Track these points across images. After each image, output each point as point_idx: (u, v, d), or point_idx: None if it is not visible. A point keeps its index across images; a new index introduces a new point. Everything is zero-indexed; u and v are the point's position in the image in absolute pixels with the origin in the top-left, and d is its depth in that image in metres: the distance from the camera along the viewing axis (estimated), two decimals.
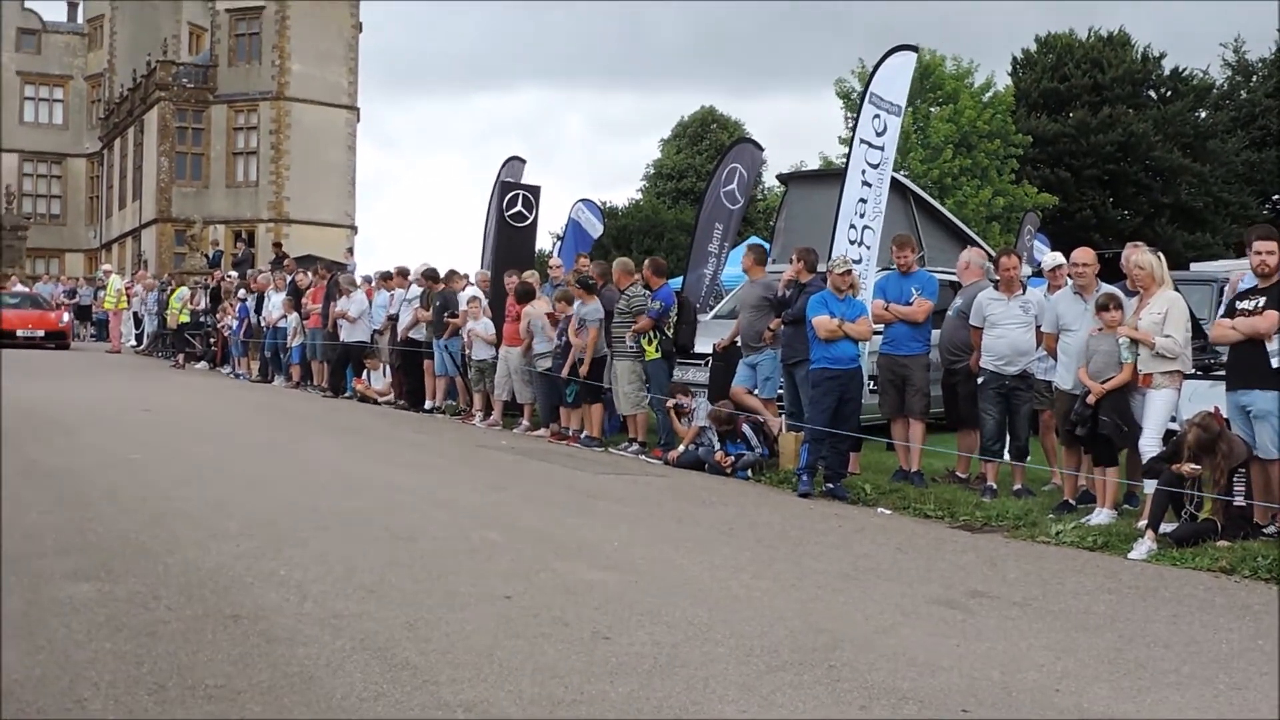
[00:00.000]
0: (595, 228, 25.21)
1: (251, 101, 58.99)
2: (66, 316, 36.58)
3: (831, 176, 17.66)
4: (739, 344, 14.48)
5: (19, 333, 33.75)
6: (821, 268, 13.26)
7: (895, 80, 14.80)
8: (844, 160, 15.83)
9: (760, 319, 14.06)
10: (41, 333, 34.31)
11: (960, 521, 10.82)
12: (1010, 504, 11.24)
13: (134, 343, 37.13)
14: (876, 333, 12.98)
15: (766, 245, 18.06)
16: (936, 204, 20.26)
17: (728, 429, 13.69)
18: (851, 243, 13.97)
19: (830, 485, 12.10)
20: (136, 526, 8.87)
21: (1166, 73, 54.47)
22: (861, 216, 14.19)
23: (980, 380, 12.12)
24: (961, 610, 7.36)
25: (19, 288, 40.57)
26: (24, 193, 70.22)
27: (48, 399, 18.88)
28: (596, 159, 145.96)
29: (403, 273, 21.86)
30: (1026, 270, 15.03)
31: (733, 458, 13.53)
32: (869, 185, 14.30)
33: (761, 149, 19.71)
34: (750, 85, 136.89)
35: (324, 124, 59.44)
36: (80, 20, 75.13)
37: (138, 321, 37.32)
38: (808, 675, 5.86)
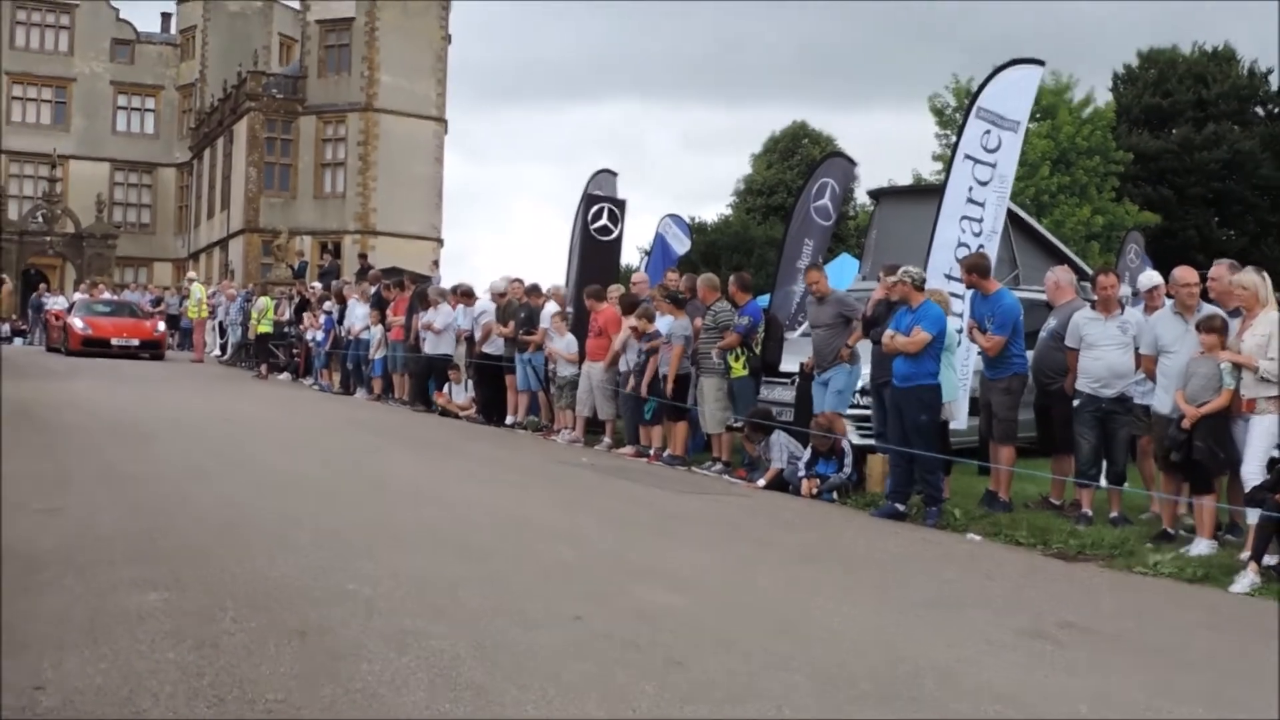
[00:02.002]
0: (683, 243, 25.13)
1: (340, 113, 59.60)
2: (162, 326, 36.64)
3: (925, 193, 17.50)
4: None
5: (114, 341, 33.68)
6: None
7: (1013, 95, 14.43)
8: (939, 177, 15.61)
9: (835, 337, 13.92)
10: (136, 342, 34.15)
11: (1053, 550, 10.59)
12: (1106, 532, 10.98)
13: (218, 352, 37.55)
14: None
15: (854, 260, 17.88)
16: (1033, 222, 19.99)
17: (824, 446, 13.52)
18: (958, 261, 13.73)
19: (931, 510, 11.88)
20: (207, 536, 8.87)
21: (1275, 89, 53.54)
22: (976, 236, 13.93)
23: (1076, 403, 11.87)
24: (1051, 642, 7.16)
25: (107, 295, 41.17)
26: (114, 201, 71.37)
27: (129, 405, 19.08)
28: (686, 173, 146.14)
29: (466, 293, 21.90)
30: (1126, 291, 14.72)
31: (818, 480, 13.37)
32: (978, 204, 14.02)
33: (854, 164, 19.55)
34: (843, 100, 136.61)
35: (412, 136, 59.92)
36: (173, 31, 76.35)
37: (222, 331, 37.73)
38: (889, 707, 5.71)
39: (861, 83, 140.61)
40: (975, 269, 12.73)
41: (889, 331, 12.22)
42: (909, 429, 11.94)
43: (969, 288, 12.92)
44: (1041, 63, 14.89)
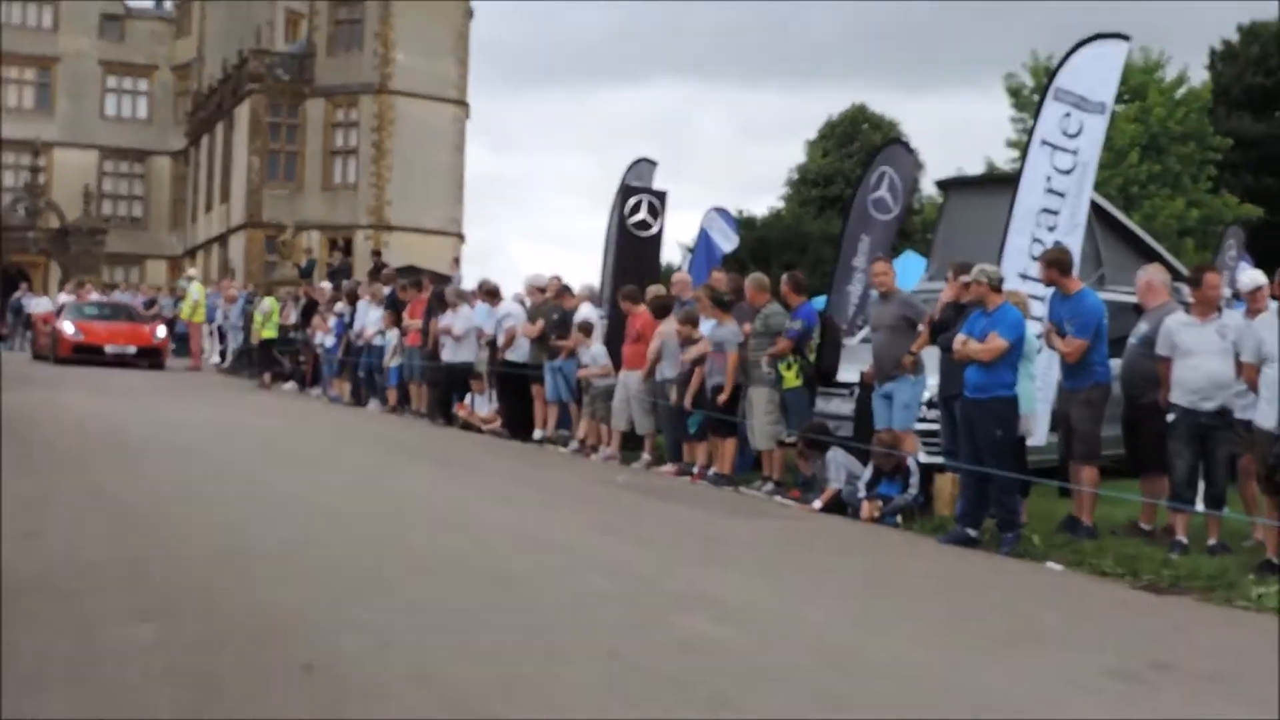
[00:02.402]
0: (729, 240, 25.16)
1: (351, 95, 59.75)
2: (162, 331, 36.43)
3: (998, 183, 17.43)
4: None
5: (107, 348, 33.52)
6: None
7: (1095, 73, 14.31)
8: (1014, 165, 15.57)
9: (897, 342, 13.88)
10: (133, 349, 34.03)
11: (1144, 581, 10.52)
12: (1203, 562, 10.91)
13: (217, 359, 37.75)
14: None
15: (920, 257, 17.84)
16: (1121, 216, 19.88)
17: (888, 465, 13.48)
18: (1035, 259, 13.68)
19: (1007, 536, 11.84)
20: (206, 563, 8.93)
21: None
22: (1053, 230, 13.87)
23: (1170, 418, 11.80)
24: (1142, 684, 7.13)
25: (95, 296, 41.38)
26: (103, 193, 71.71)
27: (117, 418, 19.21)
28: (733, 162, 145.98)
29: (492, 291, 21.92)
30: (1225, 292, 14.62)
31: (880, 502, 13.34)
32: (1058, 194, 13.95)
33: (913, 152, 19.50)
34: (907, 80, 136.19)
35: (431, 121, 60.01)
36: (168, 5, 76.80)
37: (222, 336, 37.89)
38: None
39: (928, 61, 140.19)
40: (1055, 264, 12.63)
41: (961, 337, 12.16)
42: (982, 445, 11.89)
43: (1047, 285, 12.84)
44: (1126, 38, 14.78)
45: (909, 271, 20.75)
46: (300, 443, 18.35)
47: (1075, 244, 13.85)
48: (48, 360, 34.36)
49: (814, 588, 9.52)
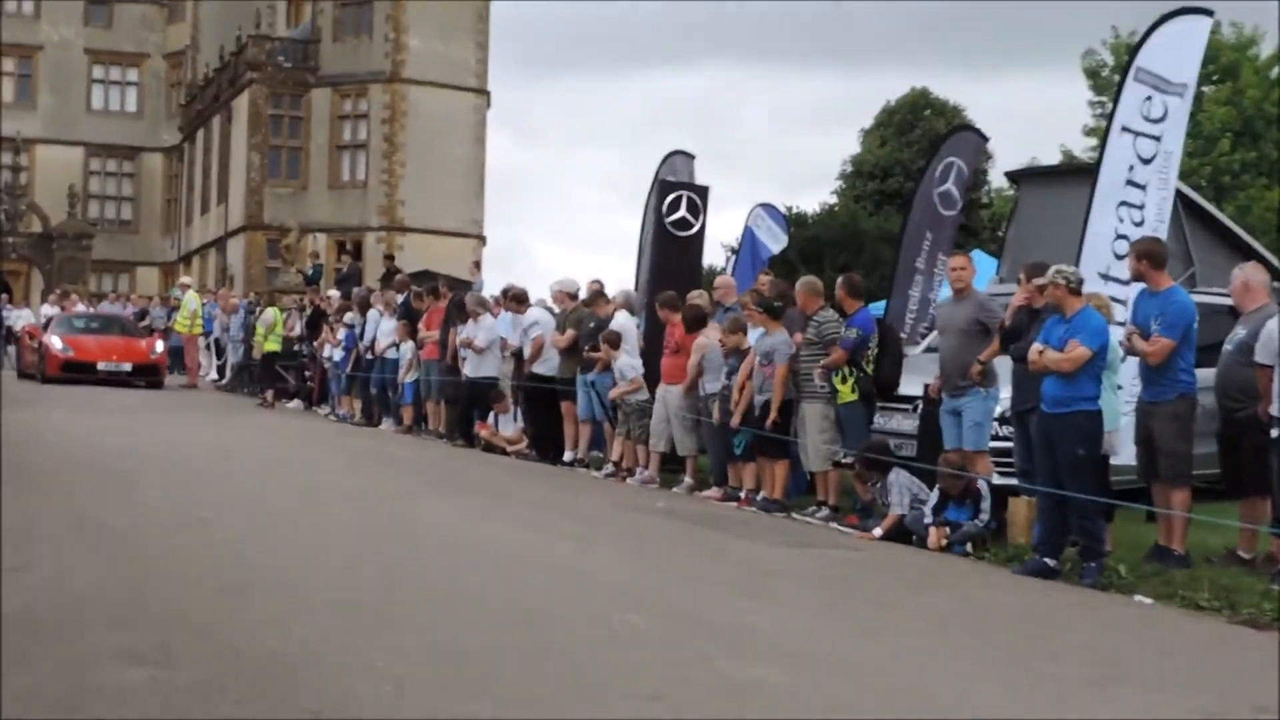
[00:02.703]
0: (777, 239, 25.18)
1: (360, 84, 60.06)
2: (160, 346, 36.22)
3: (1076, 174, 17.38)
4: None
5: (100, 366, 33.25)
6: None
7: (1177, 52, 14.30)
8: (1093, 154, 15.52)
9: (968, 349, 13.80)
10: (128, 366, 33.69)
11: (1243, 615, 10.45)
12: None
13: (214, 375, 37.90)
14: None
15: (989, 257, 17.79)
16: (1211, 208, 19.83)
17: (955, 489, 13.43)
18: (1119, 257, 13.60)
19: (1090, 566, 11.77)
20: (204, 600, 8.94)
21: None
22: (1138, 225, 13.81)
23: (1274, 433, 11.72)
24: None
25: (81, 308, 41.59)
26: (89, 194, 72.31)
27: (105, 441, 19.28)
28: (782, 154, 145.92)
29: (518, 297, 21.90)
30: None
31: (947, 528, 13.29)
32: (1139, 186, 13.90)
33: (986, 139, 19.46)
34: (973, 61, 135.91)
35: (447, 111, 60.26)
36: None
37: (219, 350, 38.03)
38: None
39: (996, 39, 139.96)
40: (1148, 256, 12.42)
41: (1037, 346, 12.09)
42: (1062, 465, 11.83)
43: (1135, 279, 12.71)
44: (1209, 12, 14.74)
45: (977, 272, 20.70)
46: (307, 466, 18.39)
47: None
48: (34, 379, 34.34)
49: (875, 625, 9.49)
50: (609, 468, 18.79)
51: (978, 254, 27.77)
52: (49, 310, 42.46)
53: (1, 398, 21.40)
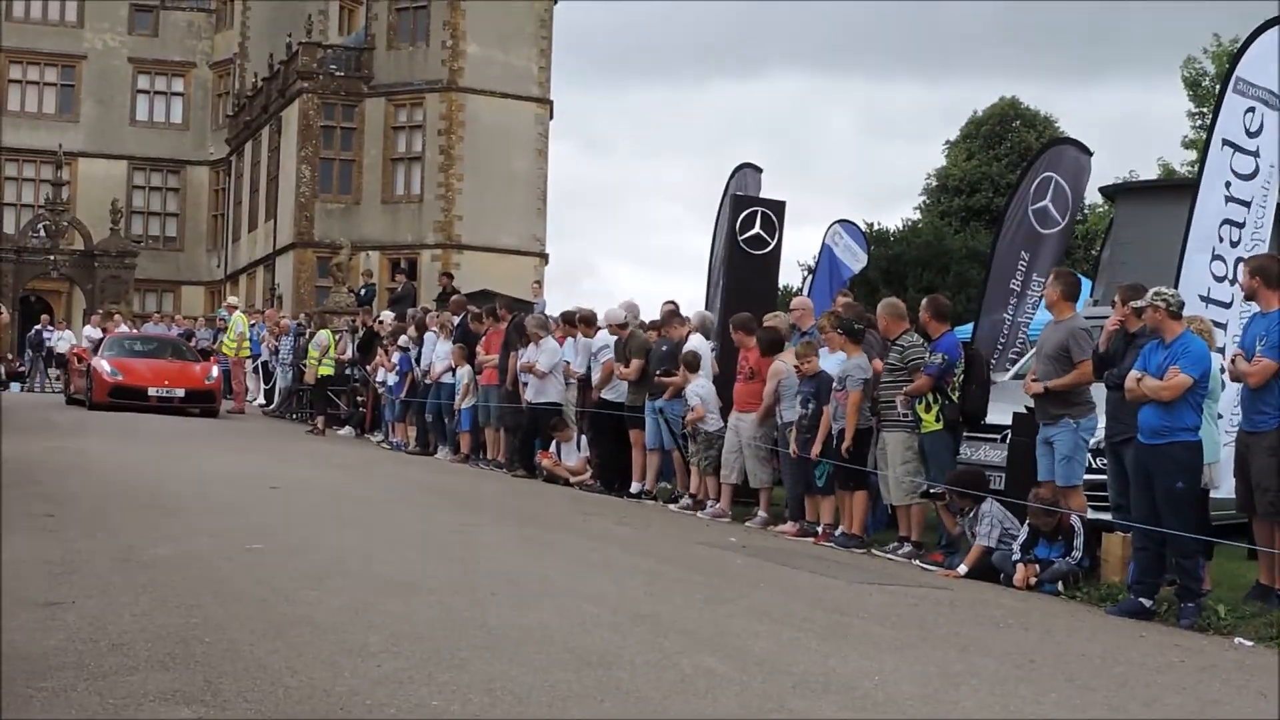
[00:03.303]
0: (857, 258, 25.16)
1: (416, 94, 60.21)
2: (215, 371, 35.49)
3: (1175, 190, 17.28)
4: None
5: (150, 391, 32.76)
6: None
7: (1275, 62, 14.27)
8: (1192, 169, 15.46)
9: (1055, 376, 13.74)
10: (180, 392, 33.16)
11: None
12: None
13: (262, 400, 38.07)
14: None
15: (1083, 279, 17.68)
16: None
17: (1047, 525, 13.38)
18: (1218, 279, 13.54)
19: (1188, 606, 11.72)
20: (253, 637, 9.01)
21: None
22: (1235, 245, 13.76)
23: None
24: None
25: (123, 328, 41.85)
26: (133, 209, 72.66)
27: (150, 472, 19.44)
28: (862, 167, 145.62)
29: (586, 320, 21.95)
30: None
31: (1037, 566, 13.24)
32: (1240, 203, 13.84)
33: (1089, 153, 19.34)
34: (1065, 70, 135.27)
35: (508, 122, 60.36)
36: None
37: (267, 374, 38.18)
38: None
39: (1090, 47, 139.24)
40: (1261, 272, 12.25)
41: (1135, 374, 12.05)
42: (1160, 499, 11.78)
43: (1248, 297, 12.60)
44: None
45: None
46: (359, 497, 18.46)
47: None
48: (83, 405, 34.15)
49: (961, 668, 9.46)
50: (686, 500, 18.78)
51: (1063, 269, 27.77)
52: (91, 332, 42.77)
53: (1, 419, 21.52)
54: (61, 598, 9.97)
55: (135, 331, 42.83)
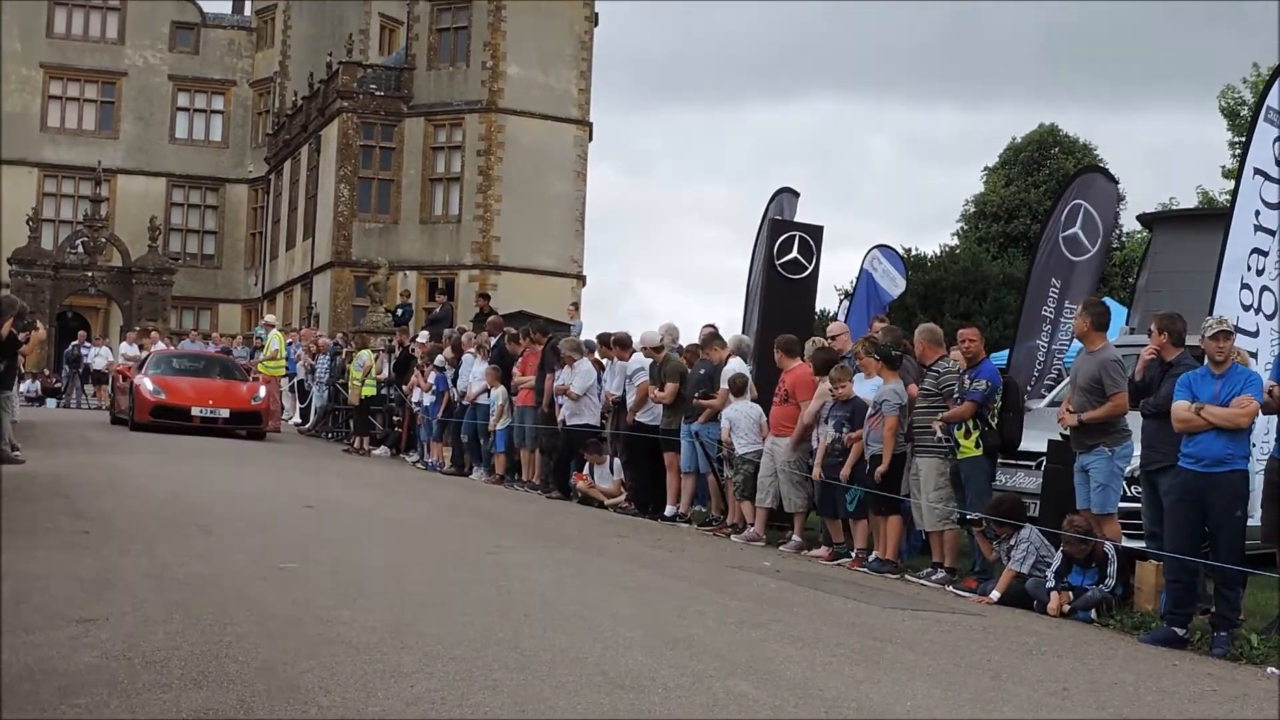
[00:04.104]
0: (896, 283, 25.13)
1: (456, 114, 60.36)
2: (263, 391, 34.38)
3: (1212, 219, 17.25)
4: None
5: (194, 411, 31.77)
6: (1193, 339, 12.87)
7: None
8: (1228, 197, 15.46)
9: (1091, 406, 13.71)
10: (225, 412, 32.07)
11: None
12: None
13: (298, 419, 38.12)
14: None
15: (1118, 306, 17.66)
16: None
17: (1081, 553, 13.37)
18: (1245, 307, 13.56)
19: (1221, 635, 11.71)
20: (286, 656, 9.04)
21: None
22: (1260, 274, 13.77)
23: None
24: None
25: (160, 346, 41.95)
26: (171, 226, 72.99)
27: (185, 489, 19.52)
28: (900, 192, 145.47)
29: (622, 342, 21.99)
30: None
31: (1070, 593, 13.23)
32: (1268, 232, 13.86)
33: (1115, 181, 19.37)
34: (1105, 98, 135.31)
35: (547, 144, 60.47)
36: (247, 12, 78.16)
37: (303, 393, 38.23)
38: None
39: (1130, 75, 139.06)
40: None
41: (1186, 404, 12.04)
42: (1217, 526, 11.82)
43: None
44: None
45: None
46: (394, 517, 18.50)
47: None
48: (125, 425, 33.40)
49: (994, 695, 9.45)
50: (721, 523, 18.82)
51: (1108, 302, 27.73)
52: (127, 349, 42.90)
53: (4, 435, 21.59)
54: (95, 614, 10.00)
55: (180, 349, 42.56)
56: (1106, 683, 10.24)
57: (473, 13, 60.17)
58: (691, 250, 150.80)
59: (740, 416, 18.19)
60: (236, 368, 36.64)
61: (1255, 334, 13.33)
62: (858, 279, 26.30)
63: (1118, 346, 16.54)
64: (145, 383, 32.54)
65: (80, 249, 63.46)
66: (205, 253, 76.18)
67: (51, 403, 48.45)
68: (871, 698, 9.01)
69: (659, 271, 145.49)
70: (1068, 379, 18.49)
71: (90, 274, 62.97)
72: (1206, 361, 12.09)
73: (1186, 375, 12.13)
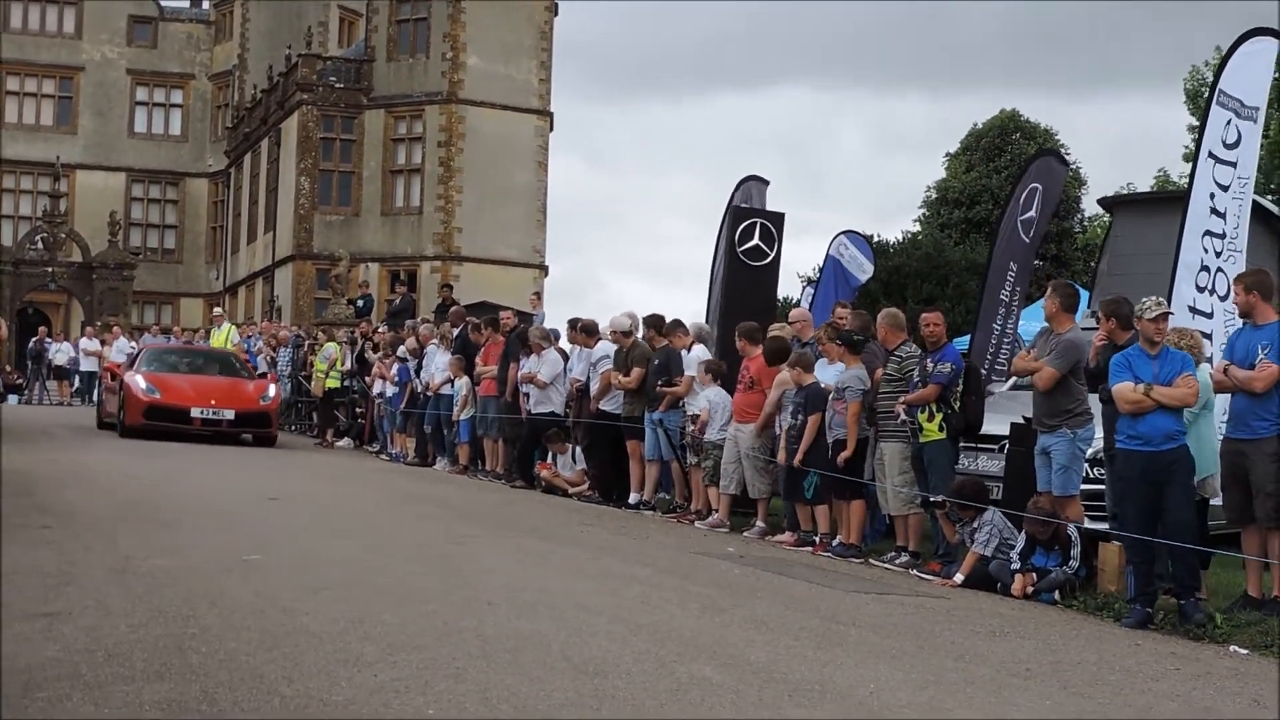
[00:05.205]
0: (863, 268, 25.15)
1: (416, 106, 60.29)
2: (272, 390, 30.80)
3: (1171, 202, 17.34)
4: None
5: (194, 412, 28.27)
6: None
7: (1250, 75, 14.40)
8: (1186, 181, 15.53)
9: (1054, 389, 13.75)
10: (230, 413, 28.59)
11: None
12: None
13: None
14: None
15: (1081, 290, 17.73)
16: None
17: (1044, 534, 13.43)
18: (1200, 289, 13.63)
19: (1182, 603, 11.82)
20: (249, 647, 9.02)
21: None
22: (1217, 255, 13.84)
23: None
24: None
25: (122, 341, 41.81)
26: (131, 221, 72.84)
27: (148, 482, 19.47)
28: (864, 180, 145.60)
29: (588, 329, 22.02)
30: None
31: (1034, 575, 13.29)
32: (1219, 215, 13.93)
33: (1066, 164, 19.46)
34: (1067, 82, 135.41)
35: (507, 134, 60.42)
36: (206, 6, 77.87)
37: None
38: None
39: (1092, 58, 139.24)
40: (1259, 287, 12.44)
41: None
42: (1176, 502, 11.91)
43: (1243, 315, 12.64)
44: (1277, 34, 14.79)
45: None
46: (357, 508, 18.50)
47: (1235, 270, 13.81)
48: (114, 429, 30.16)
49: (957, 676, 9.48)
50: (684, 509, 18.86)
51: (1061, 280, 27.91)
52: (87, 344, 42.76)
53: (1, 431, 21.53)
54: (58, 609, 9.98)
55: (173, 343, 40.79)
56: (1069, 663, 10.28)
57: (432, 4, 60.10)
58: (656, 241, 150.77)
59: (717, 402, 18.18)
60: (241, 364, 33.35)
61: (1210, 315, 13.41)
62: (824, 265, 26.33)
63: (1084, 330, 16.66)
64: (137, 380, 29.00)
65: (40, 245, 63.30)
66: (166, 247, 76.03)
67: (14, 399, 48.21)
68: (834, 680, 9.03)
69: (627, 263, 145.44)
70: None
71: (50, 270, 62.80)
72: (1140, 342, 12.13)
73: (1121, 356, 12.20)
